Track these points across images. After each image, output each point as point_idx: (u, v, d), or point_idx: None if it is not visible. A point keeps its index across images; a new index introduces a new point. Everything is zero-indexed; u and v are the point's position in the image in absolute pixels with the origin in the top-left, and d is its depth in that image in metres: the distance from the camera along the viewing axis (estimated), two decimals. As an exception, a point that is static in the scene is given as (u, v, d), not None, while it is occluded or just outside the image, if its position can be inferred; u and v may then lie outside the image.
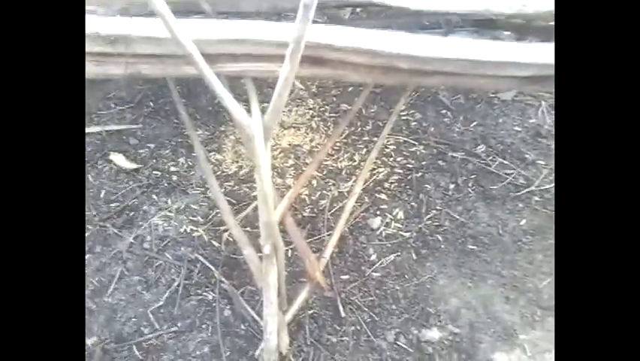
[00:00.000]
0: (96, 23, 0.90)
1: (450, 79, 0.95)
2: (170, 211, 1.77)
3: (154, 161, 1.96)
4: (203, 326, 1.43)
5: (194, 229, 1.71)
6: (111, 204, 1.79)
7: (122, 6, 1.20)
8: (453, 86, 2.06)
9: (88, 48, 0.92)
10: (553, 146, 1.95)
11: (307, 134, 2.06)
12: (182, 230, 1.70)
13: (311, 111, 2.16)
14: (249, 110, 0.93)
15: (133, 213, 1.76)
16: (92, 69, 0.95)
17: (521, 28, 2.00)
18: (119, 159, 1.97)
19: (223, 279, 1.54)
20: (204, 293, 1.52)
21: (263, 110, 0.92)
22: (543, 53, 0.93)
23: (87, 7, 1.18)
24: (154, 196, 1.82)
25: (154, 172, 1.92)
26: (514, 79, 0.93)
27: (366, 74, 0.95)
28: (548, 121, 2.06)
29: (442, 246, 1.63)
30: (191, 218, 1.74)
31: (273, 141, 2.01)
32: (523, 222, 1.69)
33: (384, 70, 0.93)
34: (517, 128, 2.04)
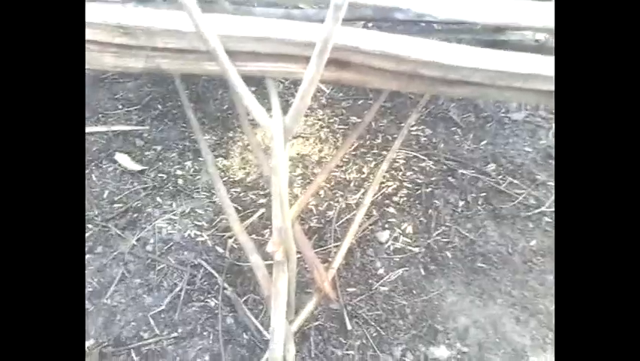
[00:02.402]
0: (117, 13, 0.88)
1: (476, 89, 0.93)
2: (174, 215, 1.74)
3: (160, 163, 1.94)
4: (205, 333, 1.39)
5: (199, 233, 1.67)
6: (114, 205, 1.76)
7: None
8: (478, 97, 2.04)
9: (107, 39, 0.90)
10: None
11: (316, 144, 2.04)
12: (186, 234, 1.67)
13: (320, 122, 2.15)
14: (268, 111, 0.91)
15: (136, 214, 1.73)
16: (110, 61, 0.93)
17: (533, 49, 2.01)
18: (124, 160, 1.94)
19: (226, 286, 1.50)
20: (207, 300, 1.48)
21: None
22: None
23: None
24: (158, 199, 1.80)
25: (159, 175, 1.89)
26: (541, 93, 0.91)
27: (391, 80, 0.93)
28: (558, 143, 2.05)
29: (451, 263, 1.60)
30: (195, 223, 1.71)
31: (281, 149, 1.99)
32: (533, 242, 1.67)
33: (410, 77, 0.92)
34: (527, 148, 2.03)
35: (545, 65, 0.90)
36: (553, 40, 1.89)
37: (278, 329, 1.07)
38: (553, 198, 1.80)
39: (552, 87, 0.90)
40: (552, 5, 0.94)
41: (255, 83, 1.79)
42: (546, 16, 0.95)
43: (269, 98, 1.02)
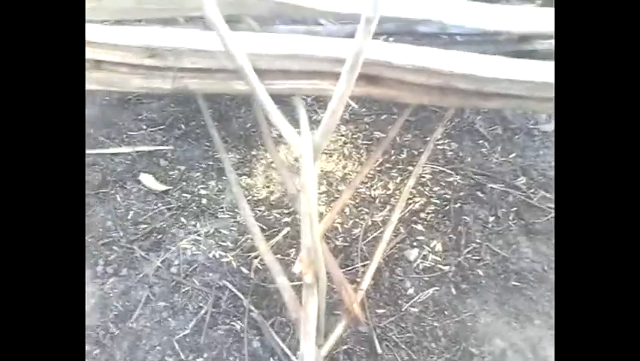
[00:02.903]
0: (144, 35, 0.88)
1: (512, 101, 0.89)
2: (198, 235, 1.72)
3: (184, 183, 1.93)
4: (231, 358, 1.36)
5: (223, 254, 1.65)
6: (139, 226, 1.75)
7: (163, 16, 1.18)
8: (515, 108, 1.98)
9: (135, 61, 0.89)
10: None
11: (340, 160, 2.01)
12: (210, 255, 1.65)
13: (343, 138, 2.12)
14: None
15: (161, 236, 1.72)
16: (138, 83, 0.92)
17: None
18: (148, 180, 1.94)
19: (252, 308, 1.47)
20: (232, 323, 1.45)
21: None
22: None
23: (131, 18, 1.17)
24: (183, 219, 1.78)
25: (183, 195, 1.88)
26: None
27: (423, 95, 0.90)
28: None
29: (483, 281, 1.54)
30: (220, 243, 1.69)
31: (304, 166, 1.97)
32: (569, 259, 1.59)
33: (442, 90, 0.89)
34: (558, 160, 1.96)
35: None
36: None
37: (308, 356, 1.03)
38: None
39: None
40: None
41: (277, 100, 1.79)
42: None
43: (295, 116, 1.00)
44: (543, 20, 1.11)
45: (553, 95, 0.85)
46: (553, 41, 1.91)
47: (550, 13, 1.05)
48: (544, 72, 0.85)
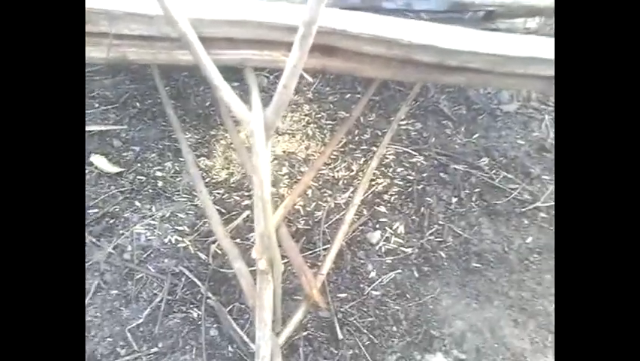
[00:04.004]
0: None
1: (475, 77, 0.85)
2: (153, 219, 1.64)
3: (138, 165, 1.83)
4: (187, 347, 1.30)
5: (180, 239, 1.58)
6: (90, 211, 1.65)
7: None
8: (477, 85, 1.96)
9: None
10: (558, 161, 1.88)
11: (303, 141, 1.95)
12: (166, 240, 1.57)
13: (307, 118, 2.05)
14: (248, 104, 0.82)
15: (113, 220, 1.62)
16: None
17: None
18: (100, 162, 1.83)
19: (210, 295, 1.41)
20: (189, 310, 1.38)
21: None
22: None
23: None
24: (137, 203, 1.69)
25: (138, 177, 1.79)
26: (543, 79, 0.83)
27: (383, 68, 0.85)
28: (551, 135, 1.99)
29: (445, 263, 1.53)
30: (176, 227, 1.61)
31: (266, 147, 1.90)
32: (529, 239, 1.60)
33: (403, 63, 0.84)
34: (520, 141, 1.96)
35: (546, 48, 0.82)
36: (547, 26, 1.83)
37: (264, 344, 0.99)
38: (548, 192, 1.74)
39: (552, 72, 0.82)
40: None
41: (239, 76, 1.70)
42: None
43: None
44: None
45: (514, 69, 0.82)
46: (516, 20, 1.90)
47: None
48: (507, 45, 0.81)
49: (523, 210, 1.70)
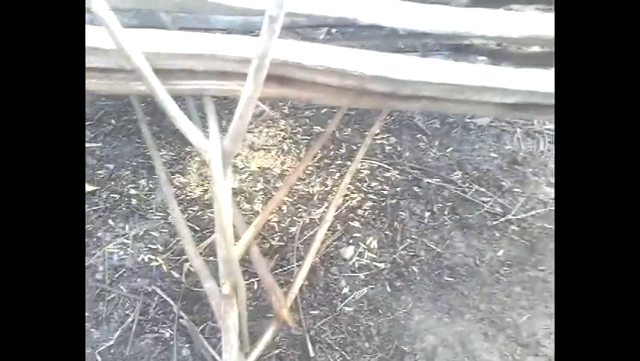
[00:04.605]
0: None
1: (429, 104, 0.88)
2: (127, 238, 1.63)
3: (112, 183, 1.83)
4: (158, 369, 1.30)
5: (153, 258, 1.58)
6: (62, 230, 1.64)
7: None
8: (432, 110, 2.01)
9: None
10: (528, 173, 1.91)
11: (278, 157, 1.96)
12: (139, 259, 1.57)
13: (282, 133, 2.07)
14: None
15: (86, 240, 1.62)
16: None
17: (496, 53, 1.99)
18: (74, 181, 1.82)
19: (182, 314, 1.41)
20: (161, 330, 1.38)
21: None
22: (527, 79, 0.87)
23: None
24: (110, 221, 1.69)
25: (112, 195, 1.78)
26: (497, 106, 0.86)
27: (338, 97, 0.87)
28: (523, 148, 2.03)
29: (418, 278, 1.55)
30: (150, 246, 1.61)
31: (241, 163, 1.91)
32: (500, 252, 1.63)
33: (357, 92, 0.86)
34: (493, 154, 2.00)
35: (499, 77, 0.85)
36: (513, 46, 1.87)
37: (230, 367, 0.99)
38: (518, 205, 1.77)
39: (506, 99, 0.85)
40: (504, 15, 0.90)
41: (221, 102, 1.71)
42: (499, 26, 0.90)
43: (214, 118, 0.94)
44: (472, 21, 1.11)
45: (469, 97, 0.84)
46: (484, 40, 1.94)
47: (481, 13, 1.03)
48: (460, 74, 0.83)
49: (495, 222, 1.72)
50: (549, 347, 1.37)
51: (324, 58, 0.80)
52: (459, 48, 2.03)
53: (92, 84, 0.85)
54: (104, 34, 0.80)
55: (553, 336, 1.38)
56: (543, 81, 0.86)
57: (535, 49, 1.66)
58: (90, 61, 0.81)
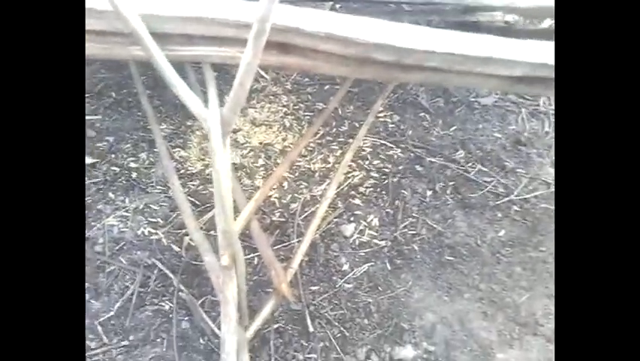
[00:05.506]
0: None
1: (433, 75, 0.85)
2: (127, 211, 1.63)
3: (112, 156, 1.82)
4: (158, 340, 1.30)
5: (153, 231, 1.57)
6: (62, 202, 1.64)
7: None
8: (436, 83, 1.98)
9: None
10: (532, 154, 1.89)
11: (280, 132, 1.94)
12: (139, 232, 1.56)
13: (284, 109, 2.04)
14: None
15: (86, 212, 1.61)
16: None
17: (503, 30, 1.95)
18: (73, 153, 1.81)
19: (182, 287, 1.41)
20: (161, 303, 1.39)
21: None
22: (534, 51, 0.84)
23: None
24: (110, 194, 1.68)
25: (112, 168, 1.77)
26: (502, 78, 0.84)
27: (340, 66, 0.84)
28: (528, 128, 2.00)
29: (418, 256, 1.54)
30: (150, 219, 1.61)
31: (242, 139, 1.89)
32: (502, 232, 1.62)
33: (360, 62, 0.83)
34: (497, 134, 1.97)
35: (507, 48, 0.82)
36: (524, 22, 1.83)
37: (229, 339, 0.99)
38: (521, 186, 1.76)
39: (513, 72, 0.83)
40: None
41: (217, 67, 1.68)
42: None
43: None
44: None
45: (472, 68, 0.82)
46: (494, 13, 1.90)
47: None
48: (465, 44, 0.81)
49: (497, 203, 1.71)
50: (547, 327, 1.37)
51: (327, 24, 0.78)
52: (466, 25, 1.99)
53: (88, 48, 0.82)
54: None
55: (551, 316, 1.38)
56: (551, 53, 0.83)
57: (545, 25, 1.62)
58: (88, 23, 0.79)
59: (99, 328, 1.32)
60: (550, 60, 0.82)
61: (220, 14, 0.77)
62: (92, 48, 0.82)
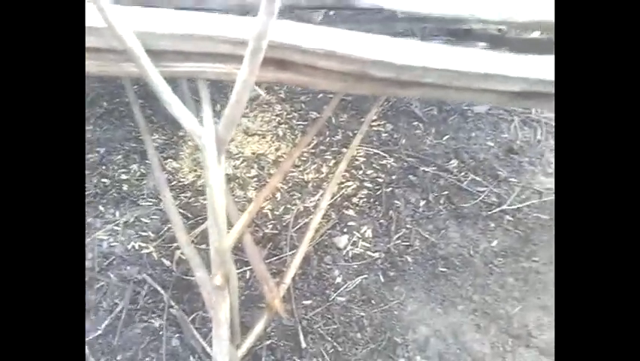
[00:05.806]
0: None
1: (431, 91, 0.85)
2: (117, 225, 1.60)
3: (103, 167, 1.79)
4: (147, 359, 1.28)
5: (144, 245, 1.55)
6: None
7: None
8: (434, 99, 1.98)
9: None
10: (525, 163, 1.90)
11: (273, 142, 1.93)
12: (129, 247, 1.54)
13: (278, 118, 2.03)
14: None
15: (75, 225, 1.58)
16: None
17: (496, 39, 1.95)
18: (62, 165, 1.78)
19: (172, 303, 1.39)
20: (150, 320, 1.36)
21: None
22: (531, 67, 0.84)
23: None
24: (100, 207, 1.65)
25: (102, 180, 1.75)
26: (500, 93, 0.83)
27: (337, 82, 0.84)
28: (520, 136, 2.01)
29: (411, 268, 1.53)
30: (140, 233, 1.58)
31: (235, 149, 1.88)
32: (494, 243, 1.62)
33: (357, 78, 0.82)
34: (489, 143, 1.98)
35: (503, 64, 0.82)
36: (513, 32, 1.83)
37: (220, 359, 0.97)
38: (514, 195, 1.76)
39: (510, 88, 0.82)
40: None
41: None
42: (503, 9, 0.87)
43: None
44: (474, 4, 1.08)
45: (470, 84, 0.81)
46: (484, 24, 1.90)
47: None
48: (461, 61, 0.80)
49: (490, 213, 1.71)
50: (540, 339, 1.36)
51: (325, 41, 0.77)
52: (458, 33, 1.99)
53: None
54: (94, 12, 0.76)
55: (544, 327, 1.38)
56: (547, 69, 0.83)
57: (536, 35, 1.62)
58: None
59: (86, 348, 1.29)
60: (548, 76, 0.81)
61: (216, 31, 0.76)
62: (87, 65, 0.80)
